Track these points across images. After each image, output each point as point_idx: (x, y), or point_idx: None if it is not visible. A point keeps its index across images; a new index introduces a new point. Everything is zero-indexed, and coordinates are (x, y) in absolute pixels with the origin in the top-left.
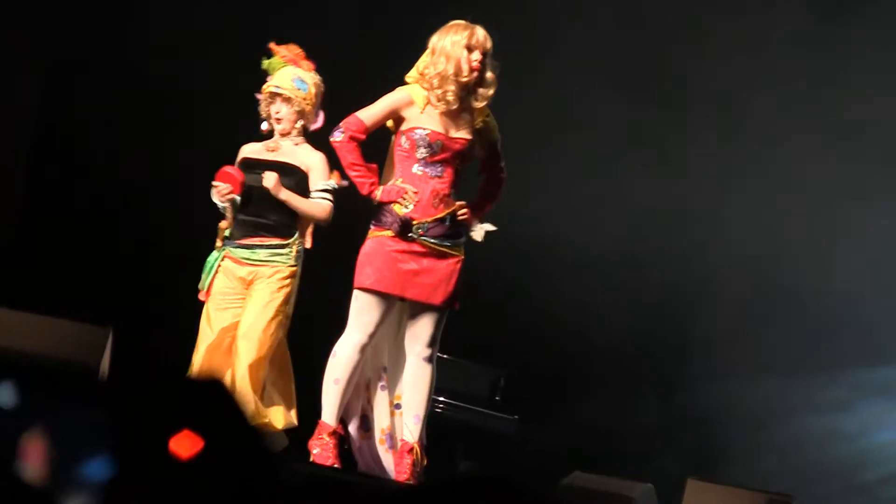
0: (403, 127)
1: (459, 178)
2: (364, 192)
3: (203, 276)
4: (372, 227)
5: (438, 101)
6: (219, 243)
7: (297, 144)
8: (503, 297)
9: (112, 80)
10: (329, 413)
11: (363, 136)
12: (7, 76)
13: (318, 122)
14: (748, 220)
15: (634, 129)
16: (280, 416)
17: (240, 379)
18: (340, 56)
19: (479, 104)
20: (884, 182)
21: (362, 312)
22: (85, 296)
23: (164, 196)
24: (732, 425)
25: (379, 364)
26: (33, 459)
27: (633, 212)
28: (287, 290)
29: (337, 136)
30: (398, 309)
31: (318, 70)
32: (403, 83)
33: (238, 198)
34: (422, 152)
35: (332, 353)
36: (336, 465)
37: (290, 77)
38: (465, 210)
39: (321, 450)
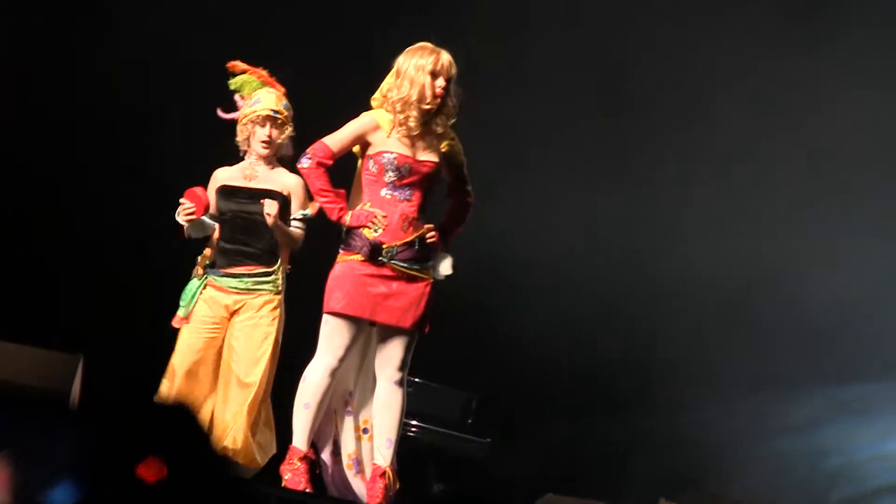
0: (370, 151)
1: (427, 202)
2: (333, 217)
3: (184, 303)
4: (341, 251)
5: (400, 125)
6: (200, 271)
7: (272, 168)
8: (474, 319)
9: (80, 101)
10: (300, 438)
11: (330, 162)
12: None
13: (290, 148)
14: (718, 239)
15: (603, 150)
16: (266, 453)
17: (236, 419)
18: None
19: (440, 130)
20: (856, 198)
21: (332, 336)
22: (56, 323)
23: (133, 223)
24: (705, 446)
25: (344, 389)
26: None
27: (603, 234)
28: (278, 320)
29: (304, 163)
30: (365, 334)
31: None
32: (368, 107)
33: (205, 219)
34: (390, 176)
35: (303, 377)
36: (308, 490)
37: (278, 100)
38: (433, 233)
39: (292, 475)
